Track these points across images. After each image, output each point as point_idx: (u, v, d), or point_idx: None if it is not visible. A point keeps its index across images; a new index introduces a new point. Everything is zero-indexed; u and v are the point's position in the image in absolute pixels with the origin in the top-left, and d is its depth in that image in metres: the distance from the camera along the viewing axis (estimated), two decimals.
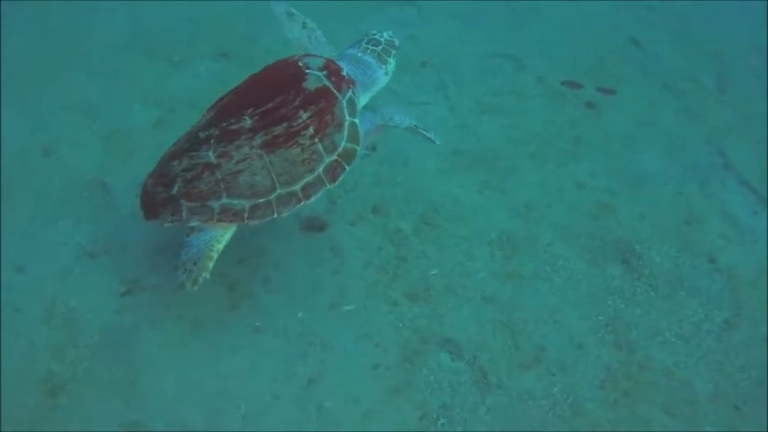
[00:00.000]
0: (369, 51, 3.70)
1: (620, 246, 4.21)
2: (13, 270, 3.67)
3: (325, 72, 3.40)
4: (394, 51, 3.74)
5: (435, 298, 3.79)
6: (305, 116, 3.26)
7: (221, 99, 3.45)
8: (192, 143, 3.26)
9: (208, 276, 3.24)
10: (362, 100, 3.62)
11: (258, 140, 3.20)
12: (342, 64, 3.54)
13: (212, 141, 3.21)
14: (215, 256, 3.27)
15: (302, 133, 3.24)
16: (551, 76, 5.39)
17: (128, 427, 3.18)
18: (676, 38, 5.97)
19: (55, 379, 3.30)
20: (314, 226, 4.04)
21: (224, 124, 3.24)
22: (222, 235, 3.30)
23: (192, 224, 3.25)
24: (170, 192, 3.22)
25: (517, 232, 4.19)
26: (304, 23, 3.82)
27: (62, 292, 3.60)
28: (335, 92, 3.37)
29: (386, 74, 3.73)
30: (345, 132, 3.36)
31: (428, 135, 3.76)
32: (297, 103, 3.27)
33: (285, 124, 3.23)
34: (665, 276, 4.10)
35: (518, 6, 6.09)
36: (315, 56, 3.54)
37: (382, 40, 3.74)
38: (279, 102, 3.26)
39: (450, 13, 5.88)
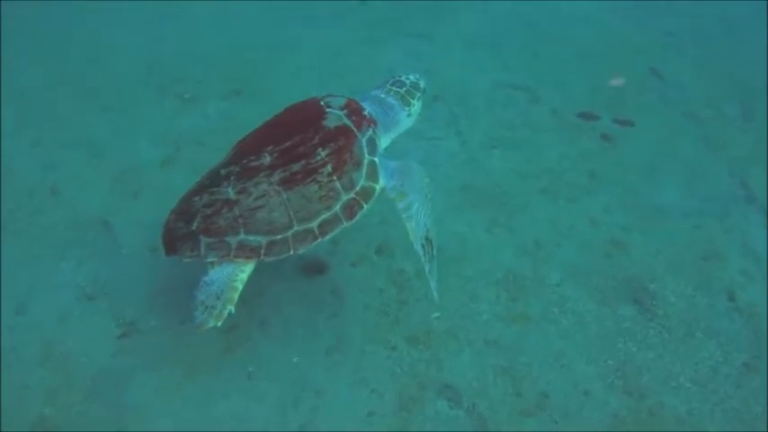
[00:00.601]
0: (392, 93, 3.63)
1: (633, 285, 4.01)
2: (13, 311, 3.64)
3: (345, 111, 3.37)
4: (419, 94, 3.67)
5: (436, 342, 3.64)
6: (323, 154, 3.22)
7: (244, 138, 3.44)
8: (212, 180, 3.25)
9: (233, 310, 3.15)
10: (384, 141, 3.56)
11: (276, 177, 3.17)
12: (365, 104, 3.51)
13: (232, 178, 3.20)
14: (239, 286, 3.20)
15: (320, 171, 3.20)
16: (566, 108, 5.24)
17: None
18: (699, 65, 5.78)
19: (47, 423, 3.24)
20: (315, 268, 3.94)
21: (244, 161, 3.23)
22: (245, 265, 3.23)
23: (209, 260, 3.20)
24: (190, 227, 3.18)
25: (524, 272, 4.02)
26: None
27: (59, 335, 3.56)
28: (355, 130, 3.33)
29: (408, 116, 3.66)
30: (364, 170, 3.31)
31: (428, 270, 3.34)
32: (316, 141, 3.24)
33: (303, 161, 3.20)
34: (681, 316, 3.89)
35: (535, 35, 5.97)
36: (337, 95, 3.50)
37: (407, 81, 3.68)
38: (298, 140, 3.24)
39: (464, 41, 5.82)
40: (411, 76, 3.71)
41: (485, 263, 4.04)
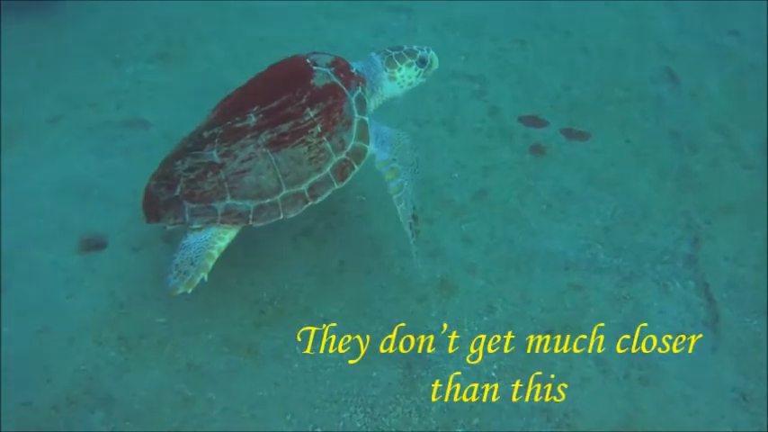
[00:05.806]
0: (382, 53, 3.29)
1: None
2: None
3: (333, 69, 3.11)
4: (410, 60, 3.27)
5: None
6: (312, 114, 2.99)
7: (227, 97, 3.18)
8: (195, 142, 3.01)
9: (206, 278, 2.88)
10: (371, 103, 3.28)
11: (263, 139, 2.94)
12: (354, 63, 3.24)
13: (216, 140, 2.96)
14: (216, 254, 2.94)
15: (309, 131, 2.98)
16: (513, 108, 3.96)
17: None
18: (743, 75, 4.02)
19: None
20: (93, 243, 3.39)
21: (228, 123, 2.99)
22: (225, 232, 2.98)
23: (195, 226, 2.95)
24: (173, 193, 2.95)
25: (293, 298, 3.11)
26: None
27: None
28: (344, 88, 3.09)
29: (391, 78, 3.27)
30: (354, 130, 3.08)
31: (411, 238, 3.01)
32: (303, 100, 3.00)
33: (291, 122, 2.97)
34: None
35: (537, 21, 4.64)
36: (323, 53, 3.24)
37: (404, 47, 3.31)
38: (285, 99, 3.00)
39: (445, 20, 4.70)
40: (415, 46, 3.32)
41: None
